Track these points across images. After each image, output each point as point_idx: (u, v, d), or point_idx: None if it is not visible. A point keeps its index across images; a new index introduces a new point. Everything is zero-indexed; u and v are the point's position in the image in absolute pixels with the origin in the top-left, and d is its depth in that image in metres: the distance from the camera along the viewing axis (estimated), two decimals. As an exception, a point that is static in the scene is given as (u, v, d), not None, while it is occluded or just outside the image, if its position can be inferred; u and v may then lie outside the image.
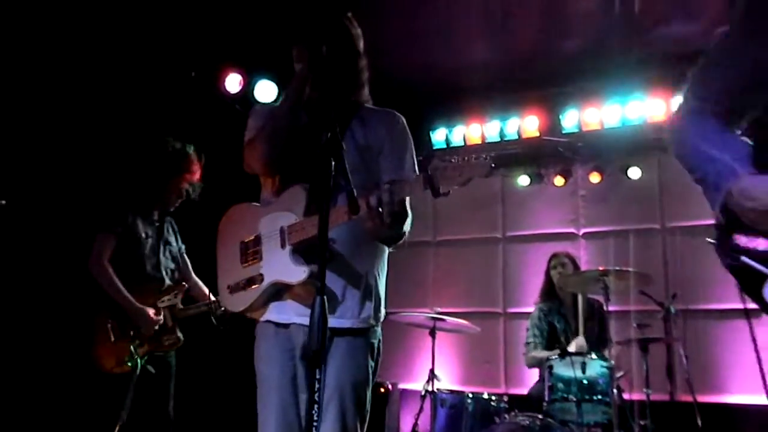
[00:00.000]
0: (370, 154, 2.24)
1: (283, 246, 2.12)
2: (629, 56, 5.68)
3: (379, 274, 2.27)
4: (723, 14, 5.13)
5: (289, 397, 2.13)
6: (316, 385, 1.69)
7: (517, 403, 4.61)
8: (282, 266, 2.11)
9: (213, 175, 5.52)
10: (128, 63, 4.82)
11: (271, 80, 5.66)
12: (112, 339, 3.49)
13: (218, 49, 5.37)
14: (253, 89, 5.64)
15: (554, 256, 5.18)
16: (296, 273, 2.08)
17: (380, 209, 1.94)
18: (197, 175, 3.86)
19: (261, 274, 2.16)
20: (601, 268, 4.45)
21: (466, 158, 1.90)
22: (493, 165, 1.88)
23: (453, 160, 1.89)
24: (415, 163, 2.25)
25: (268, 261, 2.16)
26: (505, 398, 4.51)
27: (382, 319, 2.28)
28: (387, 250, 2.32)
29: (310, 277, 2.04)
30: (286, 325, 2.17)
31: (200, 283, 3.93)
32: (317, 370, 1.70)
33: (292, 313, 2.15)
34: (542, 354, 4.73)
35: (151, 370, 3.44)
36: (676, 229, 6.11)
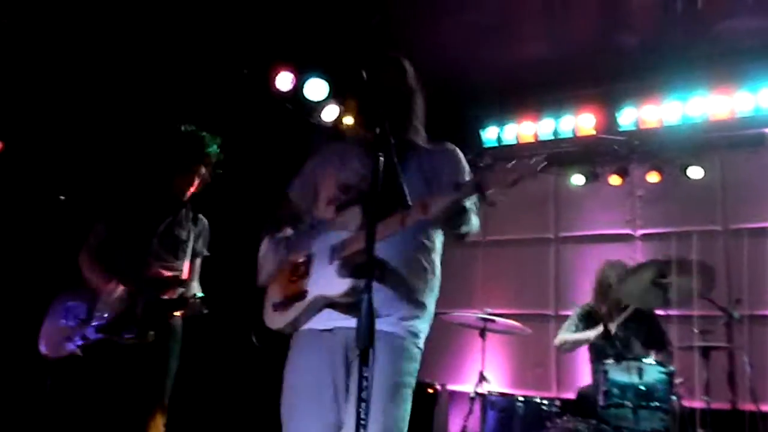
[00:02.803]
0: (428, 184, 2.30)
1: (330, 262, 2.18)
2: (691, 51, 5.47)
3: (429, 290, 2.31)
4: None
5: (328, 402, 2.14)
6: (364, 383, 1.65)
7: (569, 407, 4.50)
8: (326, 281, 2.15)
9: (258, 172, 5.57)
10: (181, 60, 4.88)
11: (322, 78, 5.67)
12: (63, 322, 3.29)
13: (270, 47, 5.40)
14: (303, 87, 5.66)
15: (607, 263, 4.98)
16: (338, 286, 2.11)
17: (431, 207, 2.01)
18: (206, 166, 3.56)
19: (305, 291, 2.19)
20: (661, 258, 4.26)
21: (515, 160, 1.94)
22: (542, 166, 1.92)
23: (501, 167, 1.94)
24: None
25: (314, 277, 2.20)
26: (557, 402, 4.42)
27: (427, 332, 2.30)
28: (438, 267, 2.36)
29: (352, 291, 2.07)
30: (329, 330, 2.19)
31: (195, 288, 3.58)
32: (364, 368, 1.67)
33: (335, 318, 2.17)
34: (572, 336, 4.64)
35: (79, 353, 3.17)
36: (739, 230, 5.87)
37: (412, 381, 2.21)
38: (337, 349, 2.18)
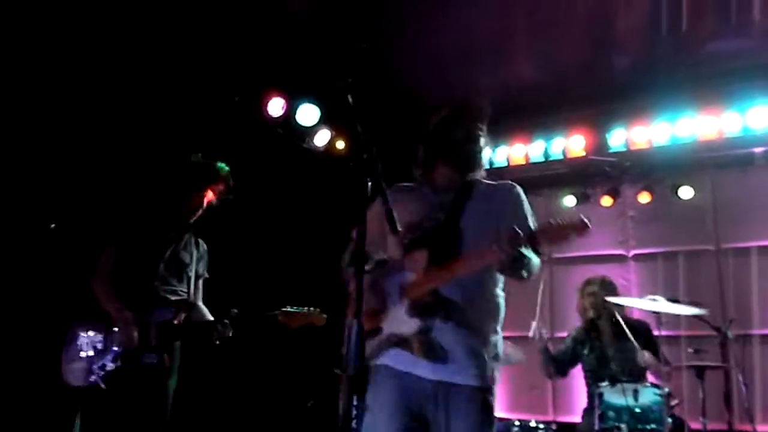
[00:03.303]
0: (489, 221, 2.42)
1: (401, 300, 2.35)
2: (678, 73, 5.54)
3: (497, 331, 2.43)
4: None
5: None
6: (353, 412, 1.65)
7: (566, 430, 4.47)
8: (398, 320, 2.32)
9: (252, 196, 5.58)
10: (171, 86, 4.91)
11: (314, 104, 5.70)
12: (80, 351, 3.35)
13: (261, 73, 5.44)
14: (295, 113, 5.68)
15: (586, 282, 4.92)
16: (409, 325, 2.28)
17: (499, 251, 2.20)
18: (218, 190, 3.66)
19: (381, 327, 2.37)
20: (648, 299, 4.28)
21: (565, 222, 2.16)
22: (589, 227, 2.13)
23: (553, 222, 2.16)
24: (533, 223, 2.45)
25: (388, 313, 2.37)
26: (554, 426, 4.39)
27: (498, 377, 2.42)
28: (503, 306, 2.48)
29: (420, 331, 2.26)
30: (402, 373, 2.34)
31: (204, 310, 3.67)
32: (354, 397, 1.67)
33: (408, 363, 2.32)
34: (550, 355, 4.62)
35: (102, 386, 3.24)
36: (731, 250, 5.89)
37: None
38: (412, 399, 2.31)
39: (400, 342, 2.31)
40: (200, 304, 3.68)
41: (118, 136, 4.73)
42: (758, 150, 5.74)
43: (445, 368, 2.26)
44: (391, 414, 2.29)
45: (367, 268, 2.44)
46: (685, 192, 6.07)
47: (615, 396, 4.03)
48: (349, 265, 2.56)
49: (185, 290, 3.58)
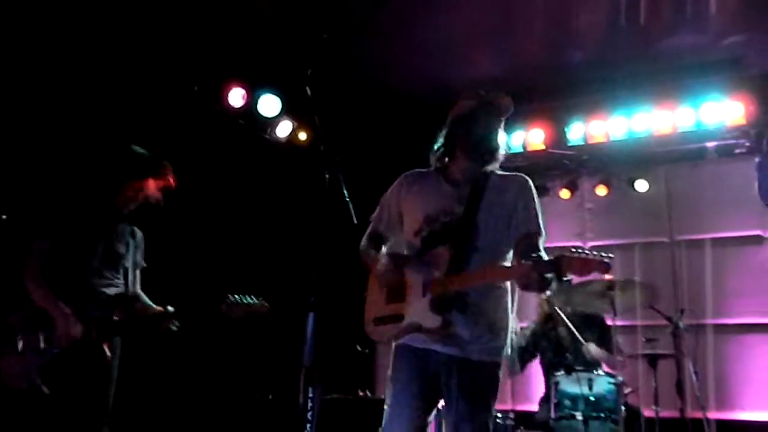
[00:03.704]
0: (503, 213, 2.59)
1: (424, 295, 2.50)
2: (635, 68, 5.64)
3: (505, 313, 2.62)
4: (728, 26, 5.10)
5: (413, 412, 2.52)
6: (309, 404, 1.65)
7: (524, 419, 4.53)
8: (422, 312, 2.49)
9: (211, 187, 5.52)
10: (130, 76, 4.82)
11: (275, 94, 5.66)
12: (19, 351, 3.19)
13: (221, 63, 5.37)
14: (256, 103, 5.63)
15: None
16: (433, 320, 2.46)
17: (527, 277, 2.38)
18: (159, 182, 3.52)
19: (402, 314, 2.53)
20: (607, 278, 4.33)
21: (590, 254, 2.28)
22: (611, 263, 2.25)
23: (580, 254, 2.28)
24: (540, 218, 2.61)
25: (411, 304, 2.53)
26: (512, 415, 4.44)
27: (507, 350, 2.62)
28: (509, 291, 2.65)
29: (444, 325, 2.44)
30: (419, 349, 2.54)
31: (146, 300, 3.55)
32: (310, 388, 1.68)
33: (429, 342, 2.52)
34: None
35: (45, 391, 3.12)
36: (684, 242, 6.04)
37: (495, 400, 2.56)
38: (429, 368, 2.53)
39: (420, 329, 2.50)
40: (140, 294, 3.56)
41: (63, 127, 4.59)
42: (710, 144, 5.88)
43: (460, 349, 2.48)
44: (410, 379, 2.53)
45: (384, 250, 2.70)
46: (641, 185, 6.19)
47: (570, 385, 4.10)
48: (368, 248, 2.74)
49: (122, 282, 3.45)
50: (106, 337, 3.29)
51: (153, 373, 4.85)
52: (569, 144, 6.09)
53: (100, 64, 4.71)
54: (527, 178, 2.70)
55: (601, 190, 6.34)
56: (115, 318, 3.32)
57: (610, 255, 2.29)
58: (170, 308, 3.38)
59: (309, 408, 1.61)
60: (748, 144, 5.74)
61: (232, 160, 5.67)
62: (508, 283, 2.63)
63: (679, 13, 4.97)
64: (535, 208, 2.62)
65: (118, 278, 3.44)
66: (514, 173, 2.72)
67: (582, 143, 6.05)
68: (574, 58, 5.64)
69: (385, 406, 2.61)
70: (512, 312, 2.65)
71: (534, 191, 2.68)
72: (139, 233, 3.61)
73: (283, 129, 5.87)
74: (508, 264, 2.60)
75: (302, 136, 5.96)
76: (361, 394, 5.46)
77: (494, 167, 2.69)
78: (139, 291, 3.56)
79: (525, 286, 2.42)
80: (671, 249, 6.09)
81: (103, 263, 3.39)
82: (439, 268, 2.49)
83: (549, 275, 2.30)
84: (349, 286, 6.30)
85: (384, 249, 2.74)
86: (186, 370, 5.21)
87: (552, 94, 6.02)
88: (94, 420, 3.25)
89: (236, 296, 3.34)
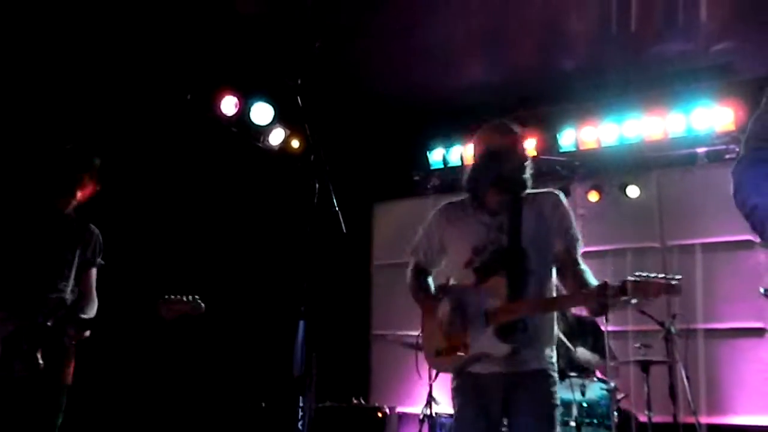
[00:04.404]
0: (543, 234, 2.69)
1: (486, 324, 2.57)
2: (626, 75, 5.68)
3: (554, 328, 2.74)
4: (718, 33, 5.14)
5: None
6: (300, 412, 1.66)
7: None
8: (487, 341, 2.56)
9: (203, 195, 5.51)
10: (124, 83, 4.82)
11: (268, 102, 5.67)
12: None
13: (214, 71, 5.38)
14: (249, 111, 5.64)
15: None
16: (501, 348, 2.54)
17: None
18: (91, 179, 3.34)
19: (466, 345, 2.60)
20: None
21: (657, 277, 2.36)
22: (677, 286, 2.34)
23: (647, 278, 2.36)
24: (574, 226, 2.74)
25: (474, 335, 2.59)
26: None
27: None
28: None
29: (513, 353, 2.52)
30: (486, 375, 2.60)
31: (88, 305, 3.34)
32: (301, 398, 1.68)
33: (490, 365, 2.58)
34: None
35: None
36: (675, 247, 6.06)
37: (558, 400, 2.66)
38: (492, 391, 2.59)
39: (485, 357, 2.58)
40: (87, 294, 3.36)
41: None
42: (701, 150, 5.91)
43: (522, 366, 2.57)
44: (478, 409, 2.60)
45: (431, 282, 2.83)
46: (632, 191, 6.22)
47: (564, 391, 4.10)
48: (418, 283, 2.86)
49: (66, 285, 3.26)
50: (37, 344, 3.05)
51: (147, 381, 4.84)
52: (561, 150, 6.12)
53: (94, 72, 4.71)
54: (557, 192, 2.81)
55: (593, 196, 6.36)
56: (49, 324, 3.11)
57: (677, 277, 2.36)
58: (82, 320, 3.21)
59: (300, 417, 1.61)
60: (737, 149, 5.76)
61: (225, 169, 5.68)
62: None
63: (669, 21, 5.02)
64: (569, 219, 2.74)
65: (62, 282, 3.25)
66: (545, 190, 2.82)
67: (574, 149, 6.09)
68: (565, 65, 5.69)
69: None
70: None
71: (565, 202, 2.78)
72: (93, 231, 3.44)
73: (276, 137, 5.88)
74: (553, 279, 2.71)
75: (295, 144, 5.97)
76: (355, 402, 5.47)
77: (527, 186, 2.80)
78: (87, 291, 3.36)
79: (593, 311, 2.55)
80: (662, 254, 6.12)
81: (46, 267, 3.21)
82: (499, 297, 2.57)
83: (618, 299, 2.38)
84: (339, 295, 6.35)
85: (431, 281, 2.87)
86: (180, 376, 5.21)
87: (543, 100, 6.06)
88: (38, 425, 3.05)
89: (173, 296, 3.18)
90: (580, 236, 2.72)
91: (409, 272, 2.91)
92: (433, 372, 4.74)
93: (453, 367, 2.68)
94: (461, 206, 2.84)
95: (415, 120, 6.41)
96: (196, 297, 3.20)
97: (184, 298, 3.20)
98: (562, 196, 2.78)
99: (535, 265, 2.62)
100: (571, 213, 2.77)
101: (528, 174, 2.76)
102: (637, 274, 2.38)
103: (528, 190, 2.78)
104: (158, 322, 3.17)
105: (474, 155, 2.84)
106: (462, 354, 2.59)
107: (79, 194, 3.35)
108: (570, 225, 2.73)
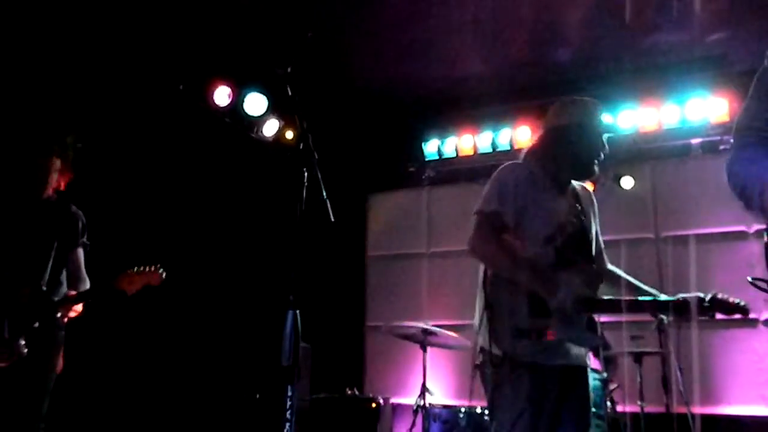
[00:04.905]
0: (594, 225, 2.74)
1: (577, 313, 2.45)
2: (620, 66, 5.67)
3: None
4: (712, 23, 5.13)
5: (544, 428, 2.45)
6: (288, 403, 1.65)
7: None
8: (575, 330, 2.46)
9: (196, 186, 5.50)
10: (116, 74, 4.80)
11: (261, 93, 5.65)
12: None
13: (207, 61, 5.36)
14: (242, 102, 5.62)
15: None
16: (590, 340, 2.54)
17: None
18: (65, 160, 3.31)
19: (548, 329, 2.43)
20: None
21: (738, 304, 2.56)
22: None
23: (729, 301, 2.57)
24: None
25: (560, 321, 2.42)
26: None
27: None
28: None
29: (604, 347, 2.64)
30: (552, 367, 2.46)
31: (65, 289, 3.30)
32: (289, 387, 1.68)
33: (558, 358, 2.48)
34: None
35: None
36: (669, 238, 6.07)
37: None
38: (557, 383, 2.47)
39: (561, 344, 2.48)
40: (77, 275, 3.34)
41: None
42: (695, 141, 5.92)
43: (581, 360, 2.55)
44: (543, 402, 2.45)
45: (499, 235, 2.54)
46: (627, 182, 6.22)
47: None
48: (499, 243, 2.55)
49: (44, 269, 3.20)
50: (19, 332, 3.05)
51: (140, 373, 4.84)
52: (555, 141, 6.11)
53: (86, 62, 4.69)
54: (590, 189, 2.82)
55: (588, 187, 6.35)
56: (30, 311, 3.10)
57: (744, 303, 2.53)
58: (72, 292, 3.21)
59: (288, 407, 1.61)
60: (732, 140, 5.76)
61: (218, 159, 5.67)
62: None
63: (663, 12, 5.00)
64: (597, 214, 2.77)
65: (39, 266, 3.21)
66: (582, 184, 2.81)
67: (568, 141, 6.07)
68: (559, 57, 5.67)
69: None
70: None
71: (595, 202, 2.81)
72: (75, 213, 3.40)
73: (270, 127, 5.86)
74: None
75: (289, 135, 5.95)
76: (349, 392, 5.47)
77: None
78: (74, 270, 3.35)
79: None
80: (657, 245, 6.13)
81: (23, 253, 3.17)
82: (590, 286, 2.53)
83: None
84: (333, 286, 6.34)
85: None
86: (169, 366, 5.21)
87: (538, 92, 6.03)
88: (22, 422, 3.05)
89: (133, 269, 3.16)
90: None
91: (478, 225, 2.57)
92: (428, 362, 4.76)
93: (530, 351, 2.42)
94: (536, 177, 2.63)
95: (410, 111, 6.40)
96: (157, 265, 3.16)
97: (143, 268, 3.15)
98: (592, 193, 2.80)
99: (596, 253, 2.66)
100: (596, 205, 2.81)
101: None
102: (723, 297, 2.54)
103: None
104: (120, 296, 3.10)
105: (556, 127, 2.68)
106: (542, 340, 2.42)
107: (53, 178, 3.28)
108: (597, 218, 2.75)
